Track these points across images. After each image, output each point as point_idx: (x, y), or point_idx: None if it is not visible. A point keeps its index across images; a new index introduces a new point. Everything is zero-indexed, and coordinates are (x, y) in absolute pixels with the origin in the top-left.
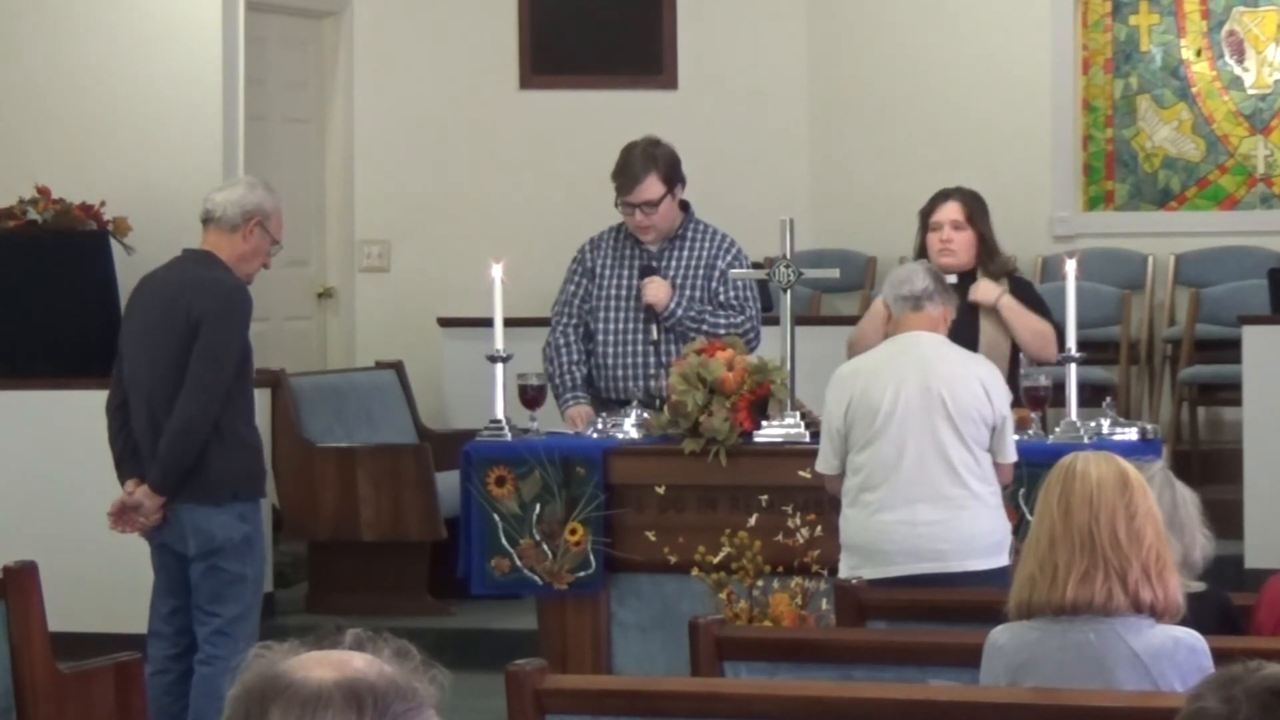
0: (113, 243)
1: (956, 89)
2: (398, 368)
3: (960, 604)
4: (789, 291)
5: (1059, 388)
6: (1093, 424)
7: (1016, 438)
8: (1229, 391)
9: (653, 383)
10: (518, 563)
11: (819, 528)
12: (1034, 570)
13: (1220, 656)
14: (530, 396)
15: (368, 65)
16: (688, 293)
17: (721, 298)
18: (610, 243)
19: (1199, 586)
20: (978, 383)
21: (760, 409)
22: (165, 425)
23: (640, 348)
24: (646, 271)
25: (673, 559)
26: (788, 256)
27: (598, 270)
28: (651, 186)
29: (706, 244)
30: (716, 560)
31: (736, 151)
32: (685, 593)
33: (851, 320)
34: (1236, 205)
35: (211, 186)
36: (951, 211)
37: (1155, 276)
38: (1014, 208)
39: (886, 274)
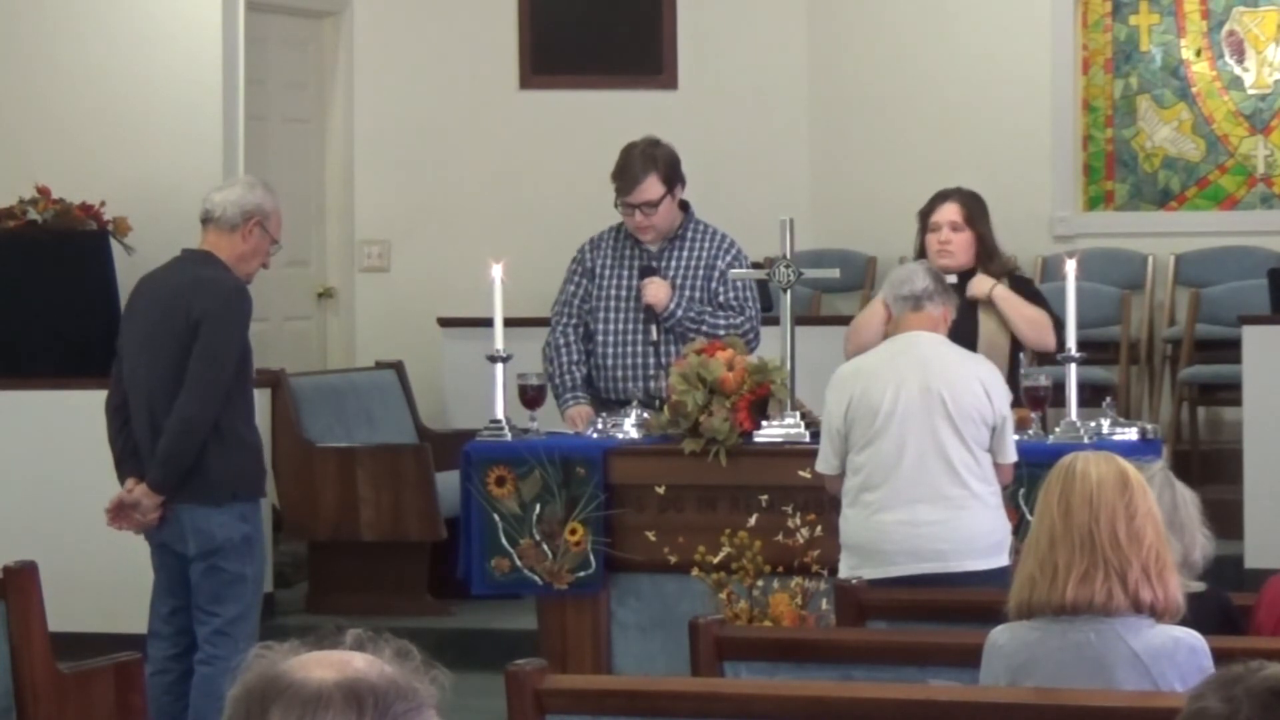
0: (113, 243)
1: (956, 89)
2: (398, 368)
3: (960, 604)
4: (789, 291)
5: (1059, 388)
6: (1093, 424)
7: (1016, 438)
8: (1229, 391)
9: (652, 384)
10: (518, 563)
11: (819, 528)
12: (1034, 570)
13: (1220, 656)
14: (530, 396)
15: (368, 65)
16: (687, 293)
17: (721, 298)
18: (610, 243)
19: (1199, 586)
20: (978, 383)
21: (760, 409)
22: (165, 425)
23: (640, 348)
24: (646, 272)
25: (673, 559)
26: (788, 256)
27: (598, 270)
28: (651, 187)
29: (706, 244)
30: (716, 560)
31: (736, 151)
32: (685, 593)
33: (851, 321)
34: (1236, 205)
35: (211, 186)
36: (950, 213)
37: (1155, 276)
38: (1014, 208)
39: (886, 274)
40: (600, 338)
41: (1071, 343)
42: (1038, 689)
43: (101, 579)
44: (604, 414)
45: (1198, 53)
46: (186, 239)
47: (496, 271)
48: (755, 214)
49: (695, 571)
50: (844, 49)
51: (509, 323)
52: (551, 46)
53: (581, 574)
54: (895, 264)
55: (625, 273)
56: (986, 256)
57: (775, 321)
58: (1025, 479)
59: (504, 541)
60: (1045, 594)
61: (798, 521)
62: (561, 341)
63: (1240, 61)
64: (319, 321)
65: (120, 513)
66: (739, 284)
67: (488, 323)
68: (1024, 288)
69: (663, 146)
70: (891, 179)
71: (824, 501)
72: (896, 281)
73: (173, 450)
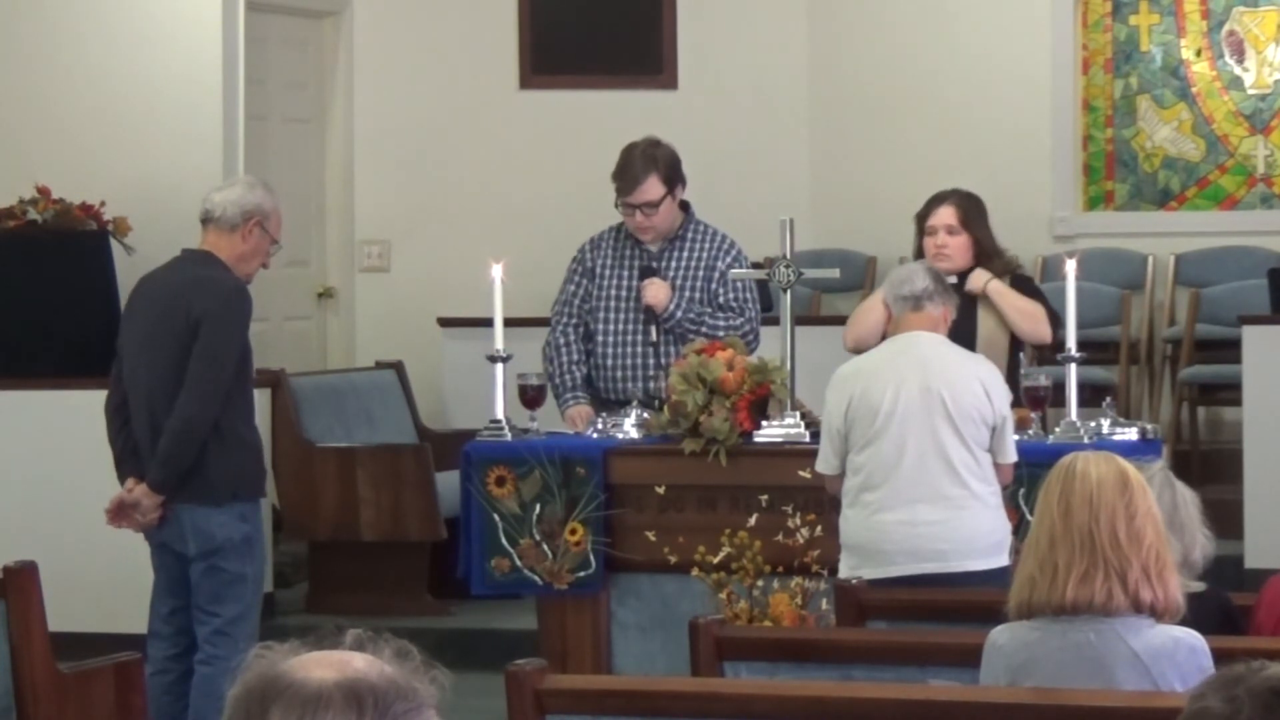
0: (113, 243)
1: (956, 89)
2: (398, 368)
3: (960, 604)
4: (789, 291)
5: (1059, 388)
6: (1093, 424)
7: (1016, 438)
8: (1229, 391)
9: (652, 384)
10: (518, 563)
11: (819, 528)
12: (1034, 570)
13: (1220, 656)
14: (530, 396)
15: (368, 65)
16: (687, 294)
17: (721, 299)
18: (610, 243)
19: (1199, 586)
20: (978, 383)
21: (760, 409)
22: (165, 425)
23: (640, 349)
24: (646, 272)
25: (673, 559)
26: (788, 256)
27: (598, 270)
28: (652, 187)
29: (706, 245)
30: (716, 560)
31: (736, 151)
32: (685, 593)
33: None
34: (1236, 205)
35: (211, 186)
36: (946, 216)
37: (1155, 276)
38: (1014, 208)
39: (886, 274)
40: (600, 338)
41: (1071, 343)
42: (1038, 689)
43: (101, 579)
44: (604, 414)
45: (1198, 53)
46: (186, 239)
47: (496, 271)
48: (755, 214)
49: (695, 571)
50: (844, 49)
51: (509, 323)
52: (551, 46)
53: (581, 574)
54: (895, 264)
55: (625, 273)
56: (985, 258)
57: (775, 321)
58: (1025, 479)
59: (504, 541)
60: (1045, 594)
61: (798, 521)
62: (561, 341)
63: (1240, 61)
64: (319, 321)
65: (120, 513)
66: (739, 285)
67: (488, 323)
68: (1025, 286)
69: (663, 147)
70: (891, 179)
71: (824, 501)
72: (896, 281)
73: (173, 450)
